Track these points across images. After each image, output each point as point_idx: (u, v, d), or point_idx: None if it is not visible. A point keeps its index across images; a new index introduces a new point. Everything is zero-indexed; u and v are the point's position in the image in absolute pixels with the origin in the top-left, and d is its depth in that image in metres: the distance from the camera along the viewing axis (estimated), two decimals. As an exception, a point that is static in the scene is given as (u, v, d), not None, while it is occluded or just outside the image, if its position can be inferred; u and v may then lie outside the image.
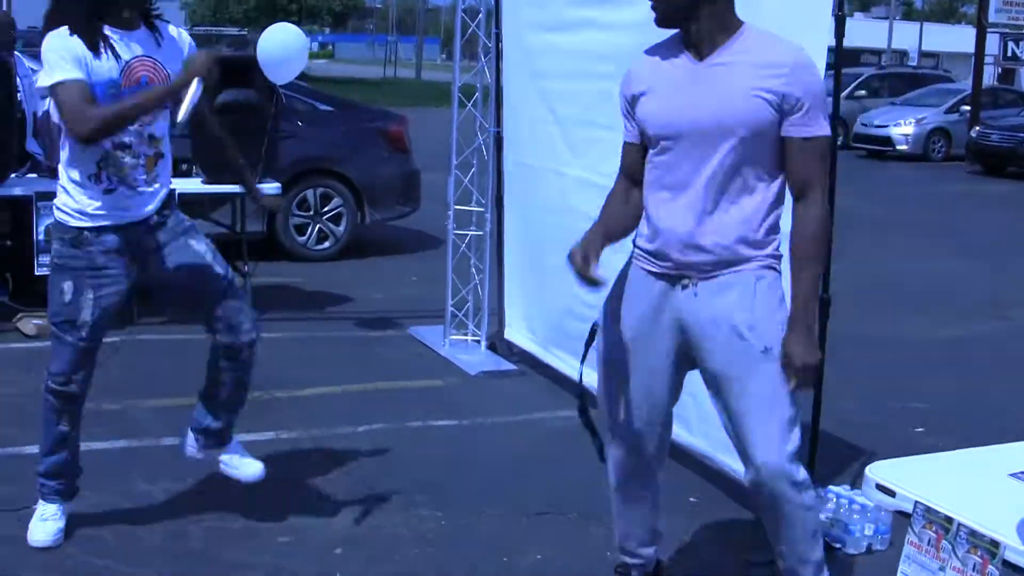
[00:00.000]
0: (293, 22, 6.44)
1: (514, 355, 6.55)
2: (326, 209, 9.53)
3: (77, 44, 3.60)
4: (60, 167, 3.85)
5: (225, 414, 4.09)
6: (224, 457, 4.17)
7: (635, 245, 3.25)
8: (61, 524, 3.96)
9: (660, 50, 3.17)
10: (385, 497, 4.41)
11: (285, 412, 5.43)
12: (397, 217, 10.16)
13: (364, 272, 9.22)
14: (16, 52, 7.47)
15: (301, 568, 3.81)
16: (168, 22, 3.89)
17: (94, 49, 3.59)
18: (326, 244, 9.60)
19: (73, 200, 3.75)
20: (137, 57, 3.70)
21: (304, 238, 9.49)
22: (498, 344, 6.71)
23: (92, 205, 3.73)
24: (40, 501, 3.98)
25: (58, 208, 3.80)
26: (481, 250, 6.88)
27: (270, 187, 7.20)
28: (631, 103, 3.19)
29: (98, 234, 3.74)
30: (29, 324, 6.77)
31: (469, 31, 6.62)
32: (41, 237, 6.62)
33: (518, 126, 6.32)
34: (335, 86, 34.34)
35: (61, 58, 3.58)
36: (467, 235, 6.85)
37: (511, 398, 5.87)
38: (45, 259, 6.46)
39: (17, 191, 6.78)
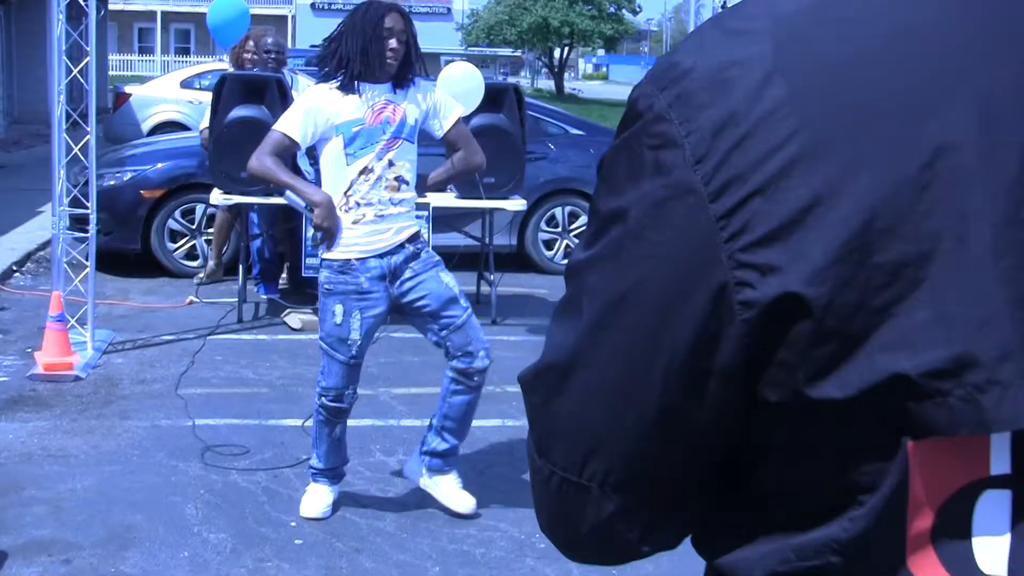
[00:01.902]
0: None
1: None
2: (573, 226, 10.06)
3: (323, 97, 4.23)
4: None
5: (452, 436, 4.46)
6: (442, 485, 4.51)
7: None
8: (330, 500, 4.48)
9: None
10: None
11: (513, 404, 5.99)
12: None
13: (606, 287, 9.68)
14: (294, 71, 8.39)
15: (510, 531, 4.34)
16: (428, 76, 4.53)
17: (346, 91, 4.21)
18: (572, 259, 10.11)
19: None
20: (377, 102, 4.24)
21: (551, 252, 10.06)
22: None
23: (351, 236, 4.23)
24: (311, 483, 4.51)
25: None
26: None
27: (517, 204, 7.83)
28: None
29: (362, 262, 4.25)
30: (295, 319, 7.60)
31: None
32: (308, 243, 7.45)
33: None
34: (606, 108, 35.08)
35: (296, 111, 4.31)
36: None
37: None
38: (311, 262, 7.30)
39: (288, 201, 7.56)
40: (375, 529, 4.38)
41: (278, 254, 8.22)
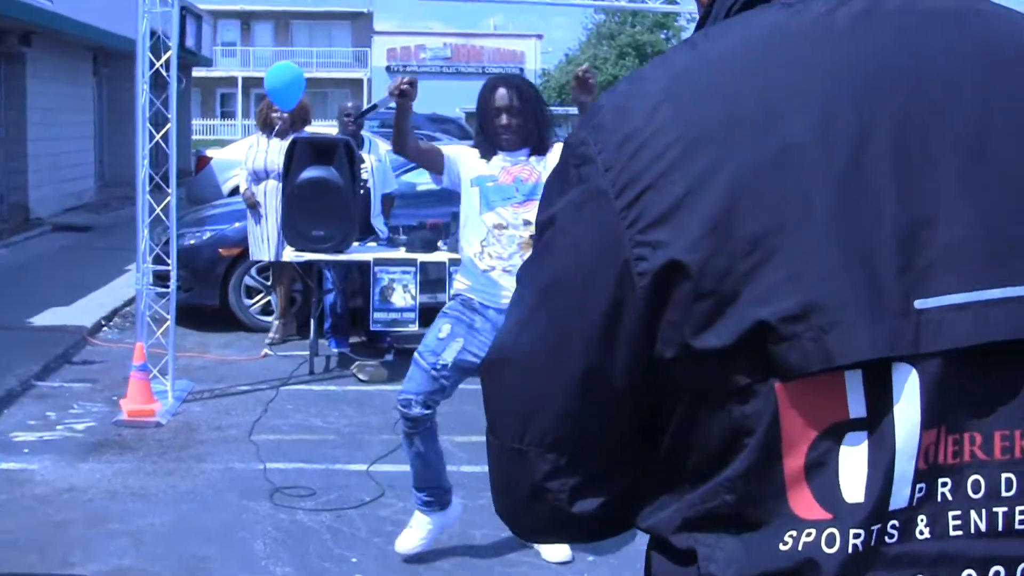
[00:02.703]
0: None
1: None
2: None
3: (467, 152, 4.64)
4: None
5: None
6: None
7: None
8: (425, 532, 4.63)
9: None
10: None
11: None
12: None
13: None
14: (370, 135, 8.82)
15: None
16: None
17: (486, 158, 4.55)
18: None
19: (464, 280, 4.54)
20: (512, 164, 4.52)
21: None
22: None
23: (481, 281, 4.47)
24: (416, 512, 4.68)
25: (458, 281, 4.61)
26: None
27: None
28: None
29: (484, 307, 4.44)
30: (365, 371, 7.94)
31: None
32: (377, 298, 7.78)
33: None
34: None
35: (454, 146, 4.94)
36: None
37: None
38: (380, 316, 7.63)
39: (359, 256, 7.87)
40: (433, 567, 4.64)
41: (349, 309, 8.58)
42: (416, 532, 4.67)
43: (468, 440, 6.33)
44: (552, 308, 1.08)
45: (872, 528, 0.97)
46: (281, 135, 8.43)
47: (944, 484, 0.99)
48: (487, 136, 4.54)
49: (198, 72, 29.19)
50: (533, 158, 4.54)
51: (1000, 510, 0.99)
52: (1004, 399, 0.99)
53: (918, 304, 0.96)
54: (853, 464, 0.97)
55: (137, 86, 6.80)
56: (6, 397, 6.84)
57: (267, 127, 8.56)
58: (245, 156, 8.69)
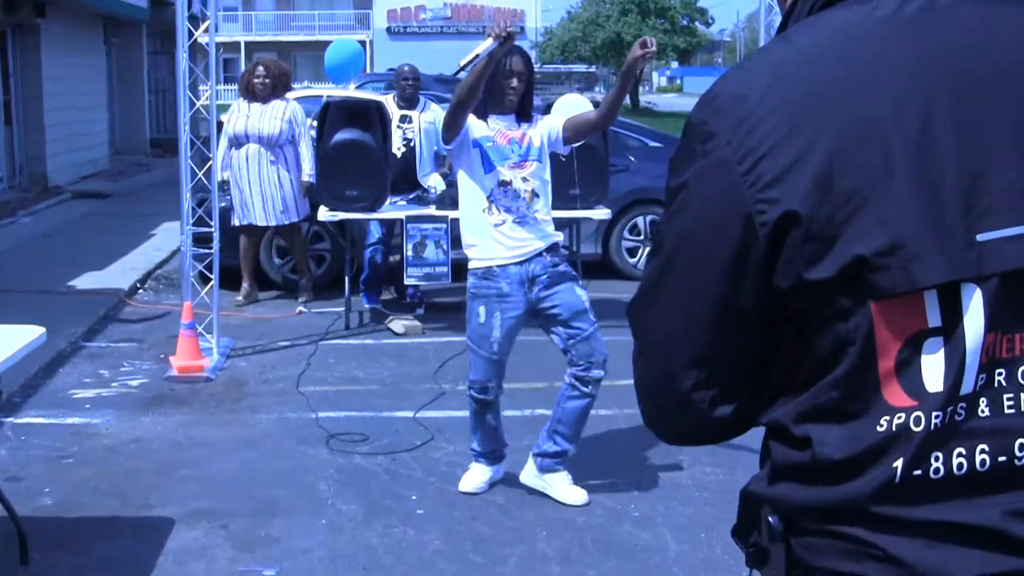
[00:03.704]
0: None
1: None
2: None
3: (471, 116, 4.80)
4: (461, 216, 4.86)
5: (565, 441, 4.89)
6: (554, 483, 4.94)
7: None
8: (486, 477, 5.03)
9: None
10: (681, 459, 5.39)
11: (603, 395, 6.46)
12: (720, 242, 10.98)
13: (687, 290, 10.13)
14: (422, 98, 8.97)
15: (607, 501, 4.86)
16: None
17: (482, 118, 4.82)
18: (654, 266, 10.56)
19: (475, 243, 4.74)
20: (505, 128, 4.81)
21: (635, 259, 10.52)
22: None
23: (493, 243, 4.69)
24: (473, 463, 5.06)
25: (468, 248, 4.79)
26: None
27: (601, 213, 8.35)
28: None
29: (503, 268, 4.70)
30: (399, 324, 8.17)
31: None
32: (411, 254, 8.01)
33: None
34: (682, 120, 35.30)
35: None
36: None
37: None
38: (414, 272, 7.87)
39: (391, 215, 8.13)
40: (487, 501, 4.92)
41: (387, 266, 8.81)
42: (479, 475, 5.04)
43: (506, 387, 6.59)
44: (689, 254, 1.39)
45: (948, 410, 1.27)
46: (263, 99, 8.62)
47: (1000, 374, 1.29)
48: (493, 93, 4.74)
49: (202, 37, 29.24)
50: (522, 123, 4.86)
51: None
52: None
53: (979, 237, 1.25)
54: (932, 363, 1.27)
55: (178, 52, 7.00)
56: (58, 358, 7.09)
57: (248, 92, 8.70)
58: (227, 121, 8.73)
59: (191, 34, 7.07)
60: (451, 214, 7.86)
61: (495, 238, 4.70)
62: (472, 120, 4.79)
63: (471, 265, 4.79)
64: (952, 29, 1.33)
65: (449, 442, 5.62)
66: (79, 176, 17.15)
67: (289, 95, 9.10)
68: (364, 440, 5.68)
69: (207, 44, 7.13)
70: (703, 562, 4.37)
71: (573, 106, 7.61)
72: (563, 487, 4.94)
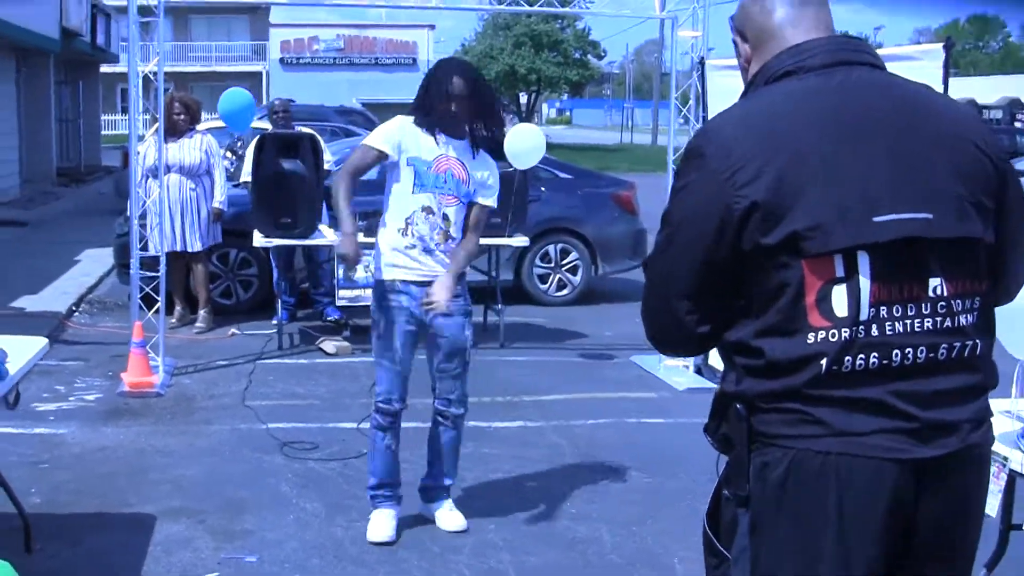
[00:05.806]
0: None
1: (716, 377, 7.93)
2: (565, 261, 10.99)
3: (409, 126, 4.70)
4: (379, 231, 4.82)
5: (442, 475, 5.06)
6: (436, 510, 5.09)
7: None
8: (393, 523, 4.93)
9: None
10: (610, 465, 5.97)
11: (530, 410, 7.07)
12: (626, 270, 11.40)
13: (596, 315, 10.60)
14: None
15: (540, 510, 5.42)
16: (494, 132, 4.92)
17: (429, 133, 4.69)
18: (565, 291, 11.03)
19: (385, 256, 4.72)
20: (448, 154, 4.71)
21: (546, 286, 11.02)
22: (704, 369, 8.14)
23: (402, 259, 4.69)
24: (375, 510, 4.98)
25: (377, 256, 4.77)
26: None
27: (520, 240, 8.93)
28: None
29: (405, 284, 4.70)
30: (330, 344, 8.66)
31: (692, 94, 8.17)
32: (341, 278, 8.62)
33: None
34: (574, 152, 36.12)
35: (382, 132, 4.77)
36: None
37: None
38: (344, 293, 8.40)
39: (320, 241, 8.65)
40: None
41: (298, 293, 9.58)
42: (384, 521, 4.95)
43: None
44: (686, 229, 2.16)
45: (852, 328, 2.03)
46: (182, 133, 9.06)
47: (883, 308, 2.04)
48: (430, 116, 4.68)
49: (103, 68, 29.21)
50: (471, 152, 4.78)
51: (908, 322, 2.06)
52: (910, 267, 2.05)
53: (875, 219, 2.02)
54: (839, 299, 2.03)
55: (130, 82, 7.41)
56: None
57: (171, 129, 8.86)
58: (142, 153, 8.63)
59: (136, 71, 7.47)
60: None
61: (403, 256, 4.72)
62: (418, 136, 4.70)
63: (378, 277, 4.81)
64: (851, 94, 2.12)
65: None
66: (-9, 205, 17.21)
67: (198, 127, 9.54)
68: (315, 448, 6.15)
69: (155, 78, 7.54)
70: (637, 551, 4.93)
71: (524, 137, 8.14)
72: (444, 515, 5.11)
